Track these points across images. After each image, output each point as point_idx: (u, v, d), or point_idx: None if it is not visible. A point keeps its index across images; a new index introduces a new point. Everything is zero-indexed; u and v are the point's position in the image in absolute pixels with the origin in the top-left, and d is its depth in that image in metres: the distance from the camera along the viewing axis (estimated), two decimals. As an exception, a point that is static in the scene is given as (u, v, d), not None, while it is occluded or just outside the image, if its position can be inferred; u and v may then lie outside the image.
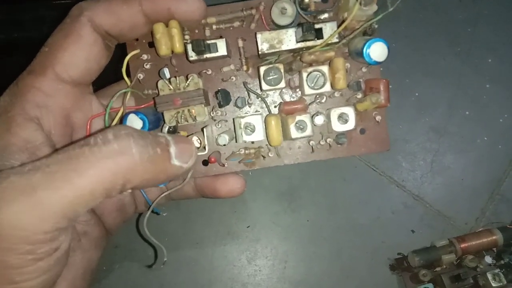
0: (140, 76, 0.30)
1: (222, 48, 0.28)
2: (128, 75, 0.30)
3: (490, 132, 0.59)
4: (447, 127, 0.59)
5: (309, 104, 0.30)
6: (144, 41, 0.30)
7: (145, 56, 0.30)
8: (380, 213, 0.55)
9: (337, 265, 0.54)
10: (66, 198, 0.20)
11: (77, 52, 0.26)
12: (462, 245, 0.51)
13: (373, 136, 0.30)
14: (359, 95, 0.30)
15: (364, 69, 0.29)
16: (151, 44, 0.29)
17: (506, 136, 0.59)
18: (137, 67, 0.30)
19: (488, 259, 0.52)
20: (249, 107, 0.30)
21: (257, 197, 0.55)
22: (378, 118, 0.30)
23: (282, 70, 0.28)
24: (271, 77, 0.28)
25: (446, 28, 0.62)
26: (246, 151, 0.30)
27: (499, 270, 0.50)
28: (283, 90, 0.30)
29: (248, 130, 0.28)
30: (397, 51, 0.61)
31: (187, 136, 0.29)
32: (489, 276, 0.50)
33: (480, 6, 0.63)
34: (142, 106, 0.30)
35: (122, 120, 0.27)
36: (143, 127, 0.26)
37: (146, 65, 0.30)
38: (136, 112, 0.26)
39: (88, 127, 0.29)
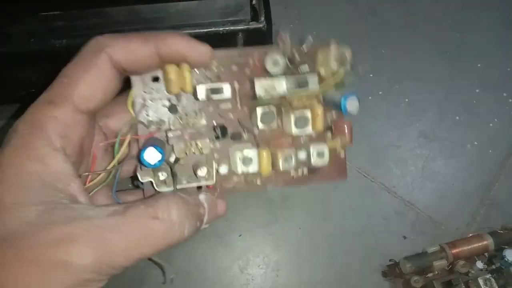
0: (148, 110, 0.32)
1: (227, 92, 0.32)
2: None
3: (480, 136, 0.59)
4: (437, 132, 0.59)
5: (294, 141, 0.35)
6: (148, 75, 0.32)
7: (152, 91, 0.32)
8: (371, 219, 0.55)
9: (330, 272, 0.54)
10: (132, 258, 0.24)
11: (96, 85, 0.27)
12: (453, 251, 0.51)
13: (336, 167, 0.36)
14: (329, 135, 0.35)
15: (334, 114, 0.35)
16: (155, 79, 0.31)
17: (496, 141, 0.59)
18: (142, 100, 0.32)
19: (480, 264, 0.52)
20: (242, 139, 0.34)
21: (249, 205, 0.55)
22: (342, 154, 0.36)
23: (275, 112, 0.33)
24: (266, 117, 0.33)
25: (434, 34, 0.62)
26: (237, 179, 0.34)
27: (490, 275, 0.50)
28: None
29: (247, 162, 0.33)
30: (386, 58, 0.61)
31: (204, 169, 0.32)
32: (481, 281, 0.50)
33: (468, 11, 0.63)
34: (148, 135, 0.32)
35: (139, 151, 0.29)
36: (160, 160, 0.28)
37: (153, 100, 0.32)
38: (155, 146, 0.28)
39: (95, 153, 0.30)
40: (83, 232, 0.23)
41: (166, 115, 0.32)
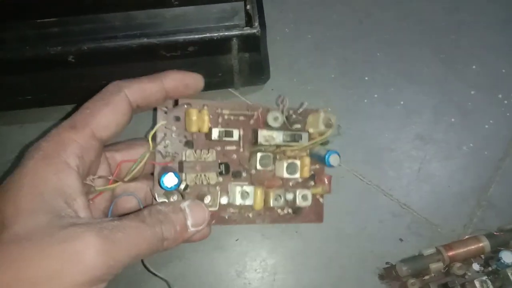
0: (168, 143, 0.38)
1: (236, 135, 0.39)
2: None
3: (476, 138, 0.59)
4: (432, 134, 0.59)
5: (284, 184, 0.43)
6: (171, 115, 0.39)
7: (173, 128, 0.38)
8: (367, 222, 0.56)
9: (326, 276, 0.54)
10: (132, 254, 0.28)
11: (112, 118, 0.33)
12: (450, 253, 0.51)
13: (314, 211, 0.45)
14: (312, 183, 0.44)
15: (317, 165, 0.44)
16: (177, 119, 0.38)
17: (492, 142, 0.59)
18: (163, 133, 0.39)
19: (476, 266, 0.52)
20: (241, 177, 0.42)
21: (245, 209, 0.55)
22: (321, 200, 0.45)
23: (271, 157, 0.41)
24: (264, 161, 0.41)
25: (429, 36, 0.62)
26: (233, 210, 0.41)
27: (486, 277, 0.50)
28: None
29: (244, 196, 0.40)
30: (381, 61, 0.61)
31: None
32: (477, 283, 0.50)
33: (463, 13, 0.64)
34: (168, 163, 0.38)
35: (159, 175, 0.35)
36: (176, 184, 0.34)
37: (173, 135, 0.39)
38: (174, 172, 0.34)
39: (117, 169, 0.36)
40: (89, 229, 0.26)
41: (182, 149, 0.38)
